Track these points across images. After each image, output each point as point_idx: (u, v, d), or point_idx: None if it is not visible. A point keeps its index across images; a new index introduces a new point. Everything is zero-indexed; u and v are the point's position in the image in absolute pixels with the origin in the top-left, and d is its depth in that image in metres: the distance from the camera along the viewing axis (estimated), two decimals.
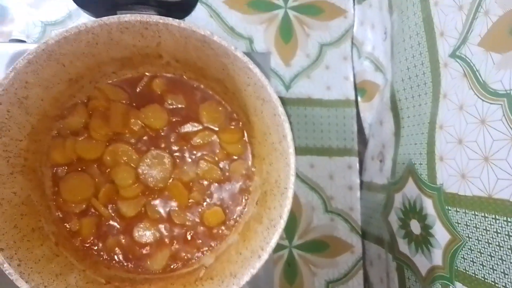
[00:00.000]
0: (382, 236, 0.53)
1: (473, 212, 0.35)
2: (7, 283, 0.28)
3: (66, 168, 0.38)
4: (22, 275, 0.28)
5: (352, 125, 0.59)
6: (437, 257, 0.41)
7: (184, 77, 0.40)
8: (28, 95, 0.31)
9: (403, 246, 0.47)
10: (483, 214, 0.34)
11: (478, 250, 0.35)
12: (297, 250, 0.57)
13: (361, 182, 0.59)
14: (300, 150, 0.58)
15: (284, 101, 0.52)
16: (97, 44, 0.32)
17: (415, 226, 0.44)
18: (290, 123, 0.34)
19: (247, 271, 0.31)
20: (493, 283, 0.33)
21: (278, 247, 0.56)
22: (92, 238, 0.38)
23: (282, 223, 0.31)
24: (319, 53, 0.60)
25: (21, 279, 0.28)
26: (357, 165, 0.59)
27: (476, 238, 0.35)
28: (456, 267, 0.38)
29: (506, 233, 0.32)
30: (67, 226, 0.37)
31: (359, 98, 0.60)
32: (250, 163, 0.41)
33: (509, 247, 0.32)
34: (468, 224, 0.36)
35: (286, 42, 0.59)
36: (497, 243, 0.33)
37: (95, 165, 0.38)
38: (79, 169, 0.38)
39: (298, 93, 0.59)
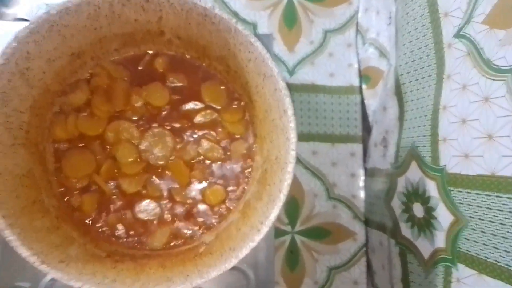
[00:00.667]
0: (384, 222, 0.52)
1: (476, 192, 0.35)
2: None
3: (68, 144, 0.38)
4: (23, 242, 0.28)
5: (356, 112, 0.59)
6: (440, 239, 0.40)
7: (186, 55, 0.40)
8: (30, 66, 0.31)
9: (405, 230, 0.47)
10: (486, 193, 0.34)
11: (481, 229, 0.35)
12: (300, 236, 0.57)
13: (365, 170, 0.59)
14: (303, 137, 0.58)
15: (287, 86, 0.52)
16: (98, 17, 0.32)
17: (418, 210, 0.44)
18: (293, 101, 0.34)
19: (246, 244, 0.31)
20: (495, 262, 0.33)
21: (280, 233, 0.56)
22: (93, 214, 0.38)
23: (281, 197, 0.31)
24: (323, 40, 0.59)
25: (22, 246, 0.28)
26: (361, 152, 0.59)
27: (479, 217, 0.35)
28: (458, 248, 0.38)
29: (509, 210, 0.32)
30: (69, 201, 0.37)
31: (363, 85, 0.59)
32: (251, 142, 0.41)
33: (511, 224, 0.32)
34: (471, 203, 0.36)
35: (290, 28, 0.59)
36: (500, 221, 0.33)
37: (97, 142, 0.38)
38: (81, 145, 0.38)
39: (301, 79, 0.59)
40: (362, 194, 0.58)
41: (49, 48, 0.31)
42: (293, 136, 0.32)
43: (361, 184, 0.58)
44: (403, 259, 0.47)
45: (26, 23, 0.29)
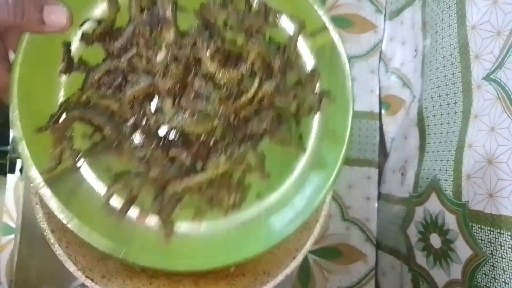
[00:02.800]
0: (398, 247, 0.54)
1: (498, 231, 0.37)
2: None
3: None
4: (70, 257, 0.29)
5: (374, 137, 0.61)
6: (456, 271, 0.42)
7: None
8: None
9: (420, 258, 0.48)
10: (509, 233, 0.36)
11: (501, 267, 0.36)
12: (312, 255, 0.58)
13: (379, 194, 0.60)
14: None
15: None
16: None
17: (435, 240, 0.46)
18: None
19: (282, 271, 0.32)
20: None
21: None
22: None
23: (318, 227, 0.33)
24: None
25: (69, 261, 0.29)
26: (377, 176, 0.60)
27: (500, 255, 0.37)
28: (476, 283, 0.39)
29: None
30: None
31: (383, 112, 0.61)
32: None
33: None
34: (492, 241, 0.37)
35: None
36: None
37: None
38: None
39: None
40: (375, 217, 0.60)
41: None
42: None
43: (375, 208, 0.60)
44: (416, 286, 0.49)
45: None
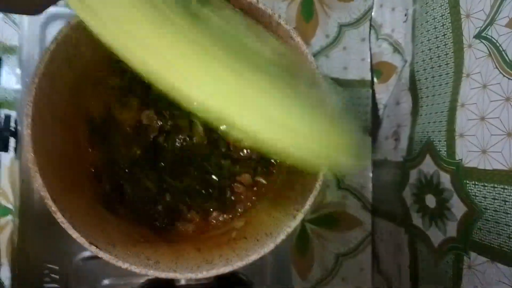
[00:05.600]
0: (394, 211, 0.55)
1: (492, 185, 0.38)
2: None
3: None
4: (74, 225, 0.29)
5: (366, 105, 0.61)
6: (452, 229, 0.43)
7: None
8: (77, 53, 0.32)
9: (416, 220, 0.49)
10: (502, 186, 0.36)
11: (495, 220, 0.37)
12: (310, 224, 0.59)
13: (373, 161, 0.61)
14: None
15: None
16: None
17: (430, 201, 0.47)
18: None
19: (283, 230, 0.32)
20: (509, 250, 0.36)
21: None
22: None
23: (317, 187, 0.33)
24: (338, 34, 0.61)
25: (73, 229, 0.29)
26: (370, 144, 0.61)
27: (494, 209, 0.37)
28: (471, 238, 0.40)
29: None
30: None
31: (375, 79, 0.61)
32: None
33: None
34: (486, 196, 0.38)
35: (307, 21, 0.60)
36: None
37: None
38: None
39: None
40: (370, 185, 0.61)
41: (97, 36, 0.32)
42: None
43: (370, 175, 0.61)
44: (413, 247, 0.50)
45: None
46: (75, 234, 0.29)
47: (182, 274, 0.30)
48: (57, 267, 0.41)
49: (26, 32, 0.42)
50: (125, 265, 0.30)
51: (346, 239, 0.60)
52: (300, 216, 0.33)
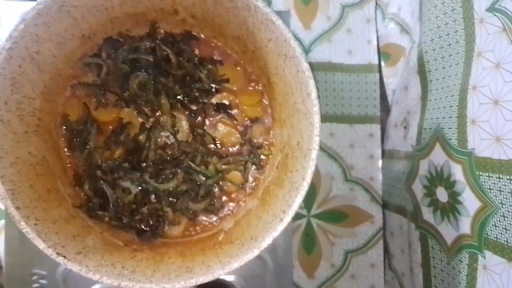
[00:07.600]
0: (404, 205, 0.51)
1: (508, 177, 0.33)
2: None
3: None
4: (39, 234, 0.28)
5: (374, 91, 0.57)
6: (465, 225, 0.39)
7: (202, 35, 0.38)
8: (40, 50, 0.30)
9: (427, 215, 0.45)
10: None
11: None
12: (316, 220, 0.56)
13: (383, 151, 0.57)
14: None
15: None
16: None
17: (441, 194, 0.43)
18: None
19: (269, 234, 0.30)
20: None
21: (296, 216, 0.55)
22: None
23: (305, 185, 0.30)
24: (341, 15, 0.57)
25: (38, 238, 0.27)
26: (379, 133, 0.57)
27: (510, 204, 0.33)
28: (486, 235, 0.36)
29: None
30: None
31: (382, 63, 0.57)
32: (270, 126, 0.39)
33: None
34: (501, 189, 0.34)
35: (306, 3, 0.56)
36: None
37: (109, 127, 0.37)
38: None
39: (318, 57, 0.56)
40: (380, 176, 0.57)
41: (59, 31, 0.30)
42: (317, 121, 0.30)
43: (379, 166, 0.57)
44: (424, 243, 0.46)
45: (33, 3, 0.28)
46: (41, 245, 0.27)
47: (157, 285, 0.28)
48: (45, 272, 0.40)
49: None
50: (96, 277, 0.28)
51: (356, 235, 0.56)
52: (287, 219, 0.30)
